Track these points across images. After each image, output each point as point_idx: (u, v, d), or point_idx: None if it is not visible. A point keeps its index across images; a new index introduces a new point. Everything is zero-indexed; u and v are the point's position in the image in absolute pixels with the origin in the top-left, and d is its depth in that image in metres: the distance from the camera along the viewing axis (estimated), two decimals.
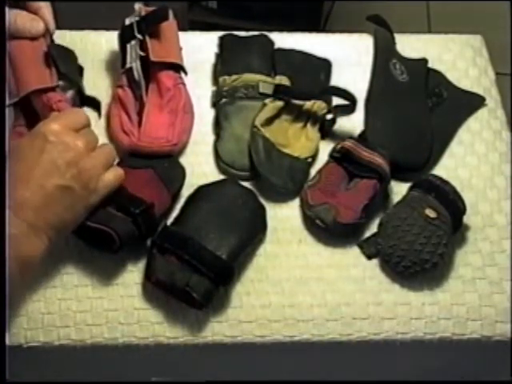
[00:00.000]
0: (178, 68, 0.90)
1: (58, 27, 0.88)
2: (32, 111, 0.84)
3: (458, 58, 1.02)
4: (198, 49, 0.98)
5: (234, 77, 0.91)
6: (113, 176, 0.75)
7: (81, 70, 0.92)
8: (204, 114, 0.92)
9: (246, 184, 0.84)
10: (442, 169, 0.89)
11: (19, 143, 0.71)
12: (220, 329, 0.76)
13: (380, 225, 0.81)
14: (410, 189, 0.84)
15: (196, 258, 0.73)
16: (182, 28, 0.95)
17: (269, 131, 0.86)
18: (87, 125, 0.75)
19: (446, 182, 0.82)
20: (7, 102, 0.83)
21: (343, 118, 0.91)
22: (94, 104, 0.90)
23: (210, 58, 0.97)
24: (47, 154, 0.69)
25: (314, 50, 0.99)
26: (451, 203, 0.80)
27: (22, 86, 0.82)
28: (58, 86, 0.84)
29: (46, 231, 0.69)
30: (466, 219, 0.82)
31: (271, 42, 0.98)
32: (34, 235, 0.68)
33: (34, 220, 0.68)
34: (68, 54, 0.89)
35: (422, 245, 0.77)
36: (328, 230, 0.81)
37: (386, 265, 0.80)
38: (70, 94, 0.87)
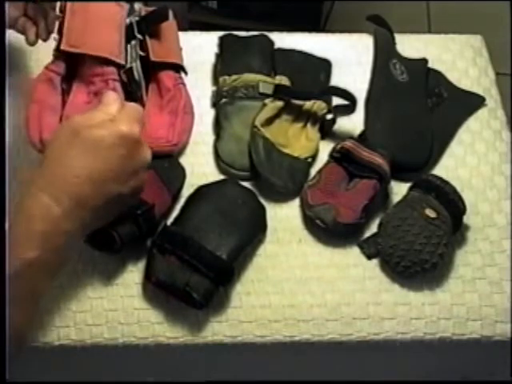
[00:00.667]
0: (178, 68, 0.90)
1: None
2: (72, 66, 0.83)
3: (457, 58, 1.02)
4: (198, 49, 0.98)
5: (234, 77, 0.91)
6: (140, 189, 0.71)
7: None
8: (204, 114, 0.92)
9: (246, 184, 0.84)
10: (442, 169, 0.89)
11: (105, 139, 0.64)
12: (220, 329, 0.76)
13: (380, 225, 0.81)
14: (410, 189, 0.84)
15: (196, 258, 0.73)
16: (182, 28, 0.95)
17: (269, 131, 0.86)
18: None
19: (446, 182, 0.82)
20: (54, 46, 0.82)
21: (343, 118, 0.91)
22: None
23: (210, 58, 0.97)
24: (117, 160, 0.65)
25: (314, 50, 0.99)
26: (451, 203, 0.80)
27: (89, 43, 0.82)
28: (123, 66, 0.83)
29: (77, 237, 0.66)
30: (465, 219, 0.82)
31: (271, 42, 0.98)
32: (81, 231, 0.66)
33: (88, 220, 0.65)
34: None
35: (421, 245, 0.77)
36: (328, 230, 0.81)
37: (386, 265, 0.80)
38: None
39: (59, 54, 0.83)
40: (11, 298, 0.59)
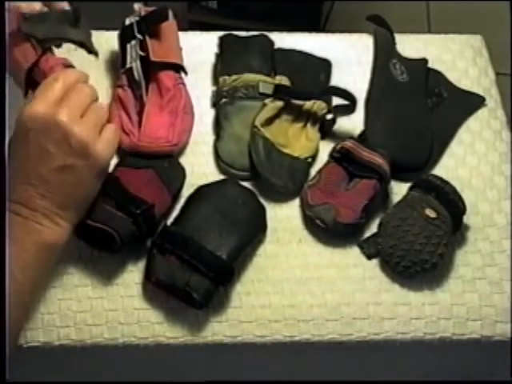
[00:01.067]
0: (178, 68, 0.90)
1: None
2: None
3: (457, 58, 1.02)
4: (198, 49, 0.98)
5: (234, 77, 0.91)
6: (109, 133, 0.72)
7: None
8: (204, 114, 0.92)
9: (246, 184, 0.84)
10: (442, 169, 0.89)
11: (10, 141, 0.69)
12: (220, 329, 0.76)
13: (380, 225, 0.81)
14: (410, 189, 0.84)
15: (196, 258, 0.73)
16: (182, 28, 0.95)
17: (269, 131, 0.86)
18: (76, 82, 0.71)
19: (446, 182, 0.82)
20: (22, 92, 0.83)
21: (343, 118, 0.91)
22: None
23: (210, 58, 0.97)
24: (32, 142, 0.67)
25: (314, 50, 0.99)
26: (451, 203, 0.81)
27: (17, 75, 0.82)
28: (45, 52, 0.82)
29: (62, 215, 0.69)
30: (466, 219, 0.82)
31: (271, 42, 0.98)
32: (51, 222, 0.68)
33: (45, 208, 0.68)
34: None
35: (421, 245, 0.77)
36: (328, 230, 0.81)
37: (386, 265, 0.80)
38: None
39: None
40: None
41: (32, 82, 0.82)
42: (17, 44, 0.83)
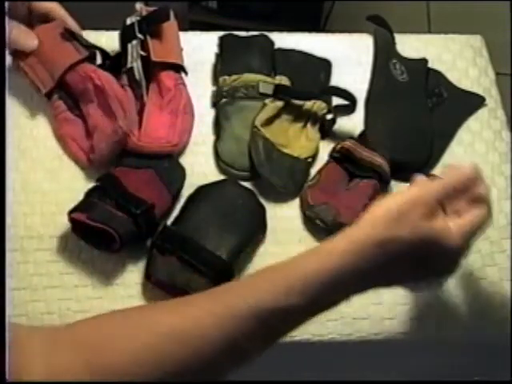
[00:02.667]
0: (179, 68, 0.90)
1: None
2: (70, 94, 0.87)
3: (457, 58, 1.02)
4: (198, 49, 0.98)
5: (234, 77, 0.91)
6: None
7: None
8: (204, 114, 0.92)
9: (246, 184, 0.84)
10: (442, 169, 0.89)
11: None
12: None
13: None
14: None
15: (196, 258, 0.73)
16: (182, 28, 0.95)
17: (269, 131, 0.86)
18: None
19: None
20: (43, 90, 0.86)
21: (343, 118, 0.91)
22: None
23: (210, 58, 0.97)
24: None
25: (314, 50, 0.99)
26: None
27: (54, 69, 0.85)
28: (88, 58, 0.87)
29: None
30: None
31: (271, 42, 0.98)
32: None
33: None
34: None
35: None
36: (328, 230, 0.81)
37: None
38: (98, 60, 0.90)
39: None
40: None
41: (62, 80, 0.85)
42: (61, 39, 0.87)
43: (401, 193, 0.61)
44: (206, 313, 0.56)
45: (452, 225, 0.60)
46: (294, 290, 0.57)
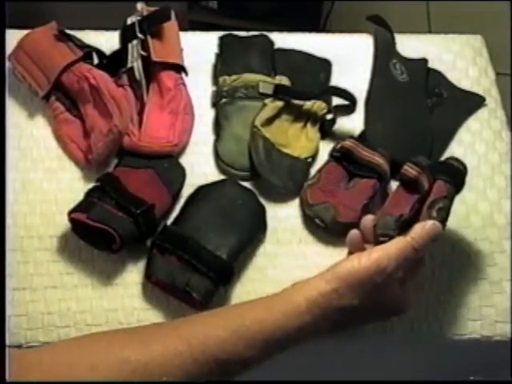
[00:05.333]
0: (179, 68, 0.90)
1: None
2: (67, 95, 0.87)
3: (457, 58, 1.02)
4: (198, 49, 0.98)
5: (234, 77, 0.91)
6: None
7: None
8: (204, 114, 0.92)
9: (246, 184, 0.84)
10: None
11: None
12: None
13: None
14: None
15: (196, 258, 0.73)
16: (182, 28, 0.95)
17: (269, 131, 0.86)
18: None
19: (441, 162, 0.81)
20: (41, 93, 0.86)
21: (343, 118, 0.91)
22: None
23: (210, 58, 0.97)
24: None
25: (314, 50, 0.99)
26: (455, 176, 0.78)
27: (49, 71, 0.86)
28: (84, 58, 0.87)
29: None
30: (466, 219, 0.82)
31: (271, 42, 0.98)
32: None
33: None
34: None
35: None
36: (327, 230, 0.81)
37: None
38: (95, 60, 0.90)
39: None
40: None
41: (59, 82, 0.86)
42: (55, 41, 0.88)
43: (361, 259, 0.65)
44: (171, 353, 0.59)
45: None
46: (256, 344, 0.62)
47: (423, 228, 0.66)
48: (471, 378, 0.88)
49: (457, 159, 0.77)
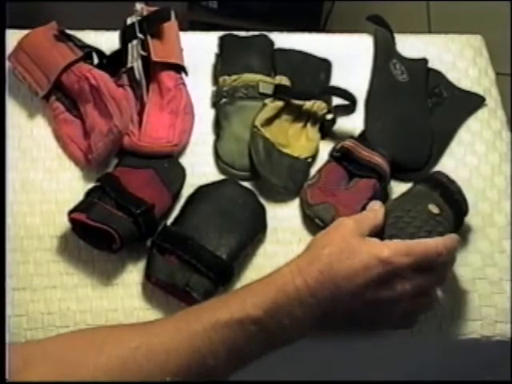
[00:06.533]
0: (179, 68, 0.90)
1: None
2: (67, 95, 0.87)
3: (457, 58, 1.02)
4: (198, 49, 0.98)
5: (234, 77, 0.91)
6: None
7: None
8: (204, 114, 0.91)
9: (246, 184, 0.84)
10: (442, 169, 0.89)
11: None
12: None
13: None
14: (416, 183, 0.83)
15: (196, 258, 0.73)
16: (182, 28, 0.95)
17: (269, 131, 0.86)
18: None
19: (453, 181, 0.81)
20: (41, 93, 0.86)
21: (343, 118, 0.91)
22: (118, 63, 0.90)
23: (210, 58, 0.97)
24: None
25: (314, 50, 0.98)
26: (455, 203, 0.80)
27: (49, 71, 0.86)
28: (84, 58, 0.87)
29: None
30: (466, 219, 0.82)
31: (271, 42, 0.98)
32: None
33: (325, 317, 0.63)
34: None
35: (421, 238, 0.77)
36: None
37: None
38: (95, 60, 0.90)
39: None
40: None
41: (59, 82, 0.86)
42: (55, 41, 0.88)
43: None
44: (170, 330, 0.60)
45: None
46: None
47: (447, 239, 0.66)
48: (471, 378, 0.88)
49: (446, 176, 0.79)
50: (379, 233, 0.69)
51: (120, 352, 0.58)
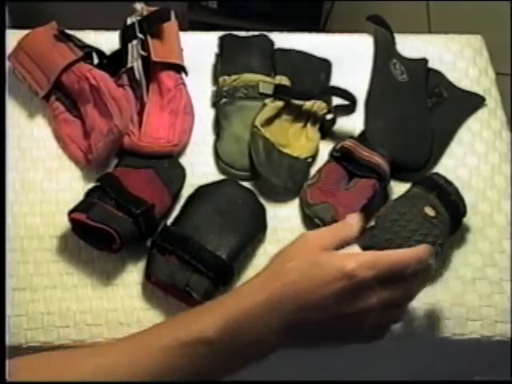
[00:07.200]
0: (179, 68, 0.90)
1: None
2: (67, 95, 0.87)
3: (457, 58, 1.02)
4: (198, 49, 0.98)
5: (234, 77, 0.91)
6: None
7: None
8: (204, 114, 0.92)
9: (246, 184, 0.84)
10: (442, 169, 0.89)
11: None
12: None
13: (378, 217, 0.81)
14: (413, 185, 0.83)
15: (196, 258, 0.73)
16: (182, 28, 0.95)
17: (269, 131, 0.86)
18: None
19: (450, 183, 0.81)
20: (40, 94, 0.87)
21: (343, 118, 0.91)
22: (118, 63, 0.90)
23: (210, 58, 0.97)
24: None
25: (314, 50, 0.99)
26: (452, 204, 0.80)
27: (49, 71, 0.86)
28: (84, 58, 0.87)
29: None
30: (465, 219, 0.82)
31: (271, 42, 0.98)
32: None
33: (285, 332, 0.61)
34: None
35: (417, 242, 0.76)
36: None
37: None
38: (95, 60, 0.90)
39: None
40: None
41: (59, 82, 0.86)
42: (55, 41, 0.88)
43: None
44: (129, 349, 0.60)
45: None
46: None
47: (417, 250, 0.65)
48: (471, 378, 0.88)
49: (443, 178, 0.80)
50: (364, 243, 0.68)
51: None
